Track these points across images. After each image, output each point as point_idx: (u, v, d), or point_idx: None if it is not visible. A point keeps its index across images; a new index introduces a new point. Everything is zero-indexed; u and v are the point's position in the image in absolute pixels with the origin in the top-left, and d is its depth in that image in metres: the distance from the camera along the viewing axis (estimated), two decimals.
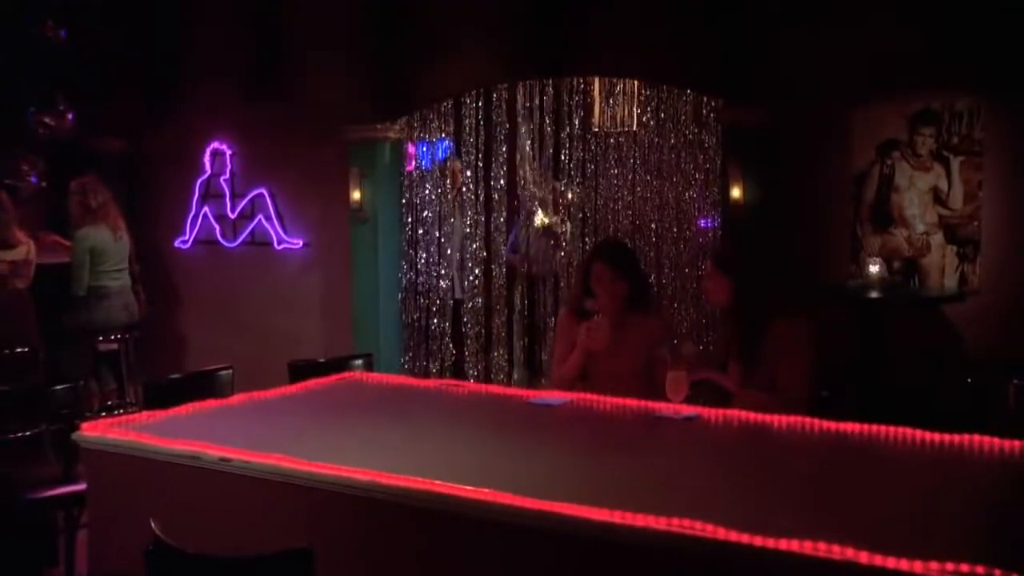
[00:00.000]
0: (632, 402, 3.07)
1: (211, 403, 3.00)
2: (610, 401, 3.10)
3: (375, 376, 3.60)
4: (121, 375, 5.41)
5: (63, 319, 5.38)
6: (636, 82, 5.84)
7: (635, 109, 5.92)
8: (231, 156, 6.45)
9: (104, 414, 5.02)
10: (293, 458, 2.31)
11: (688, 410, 2.94)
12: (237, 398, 3.11)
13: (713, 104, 5.19)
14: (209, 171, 6.51)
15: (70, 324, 5.38)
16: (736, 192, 4.90)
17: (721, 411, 2.96)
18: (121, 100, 6.59)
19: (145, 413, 2.80)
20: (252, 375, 5.24)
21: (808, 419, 2.79)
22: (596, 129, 6.21)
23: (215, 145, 6.47)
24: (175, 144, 6.56)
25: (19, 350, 4.81)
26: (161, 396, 3.16)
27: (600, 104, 6.27)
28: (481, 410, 3.13)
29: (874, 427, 2.70)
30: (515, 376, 5.99)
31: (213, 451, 2.41)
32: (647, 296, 3.56)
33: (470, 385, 3.50)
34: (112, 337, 5.37)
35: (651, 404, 3.02)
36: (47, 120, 6.05)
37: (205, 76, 6.40)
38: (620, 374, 3.38)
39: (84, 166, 5.78)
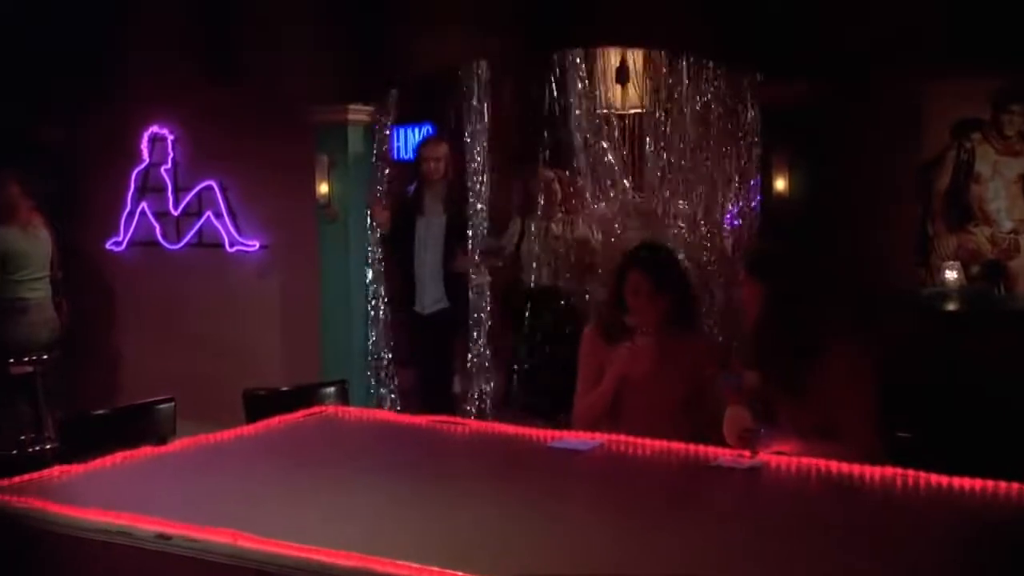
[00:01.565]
0: (679, 446, 2.83)
1: (147, 451, 2.76)
2: (651, 444, 2.87)
3: (352, 411, 3.39)
4: (38, 406, 5.23)
5: None
6: (650, 54, 5.80)
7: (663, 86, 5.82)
8: (174, 142, 6.38)
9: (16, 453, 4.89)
10: (250, 534, 2.06)
11: (750, 457, 2.70)
12: (180, 444, 2.88)
13: (749, 79, 5.10)
14: (147, 160, 6.45)
15: None
16: (780, 183, 4.77)
17: (794, 459, 2.70)
18: (48, 81, 6.49)
19: (57, 468, 2.53)
20: (200, 407, 5.06)
21: (908, 472, 2.54)
22: (605, 111, 6.14)
23: (154, 129, 6.41)
24: (106, 129, 6.50)
25: None
26: (83, 437, 2.99)
27: (610, 81, 6.23)
28: (487, 457, 2.90)
29: (1000, 484, 2.42)
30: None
31: (147, 524, 2.14)
32: (692, 312, 3.39)
33: (472, 423, 3.24)
34: (25, 359, 5.22)
35: (704, 449, 2.79)
36: None
37: (143, 48, 6.35)
38: (660, 408, 3.18)
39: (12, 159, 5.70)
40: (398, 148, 6.45)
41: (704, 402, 3.16)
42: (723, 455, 2.73)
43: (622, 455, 2.83)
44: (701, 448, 2.80)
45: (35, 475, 2.49)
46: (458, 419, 3.31)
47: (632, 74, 6.13)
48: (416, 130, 6.60)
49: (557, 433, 3.05)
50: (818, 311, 2.93)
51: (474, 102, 5.71)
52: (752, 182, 5.13)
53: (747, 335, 3.16)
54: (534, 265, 5.64)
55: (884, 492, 2.47)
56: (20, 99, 6.37)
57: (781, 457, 2.71)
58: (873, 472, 2.56)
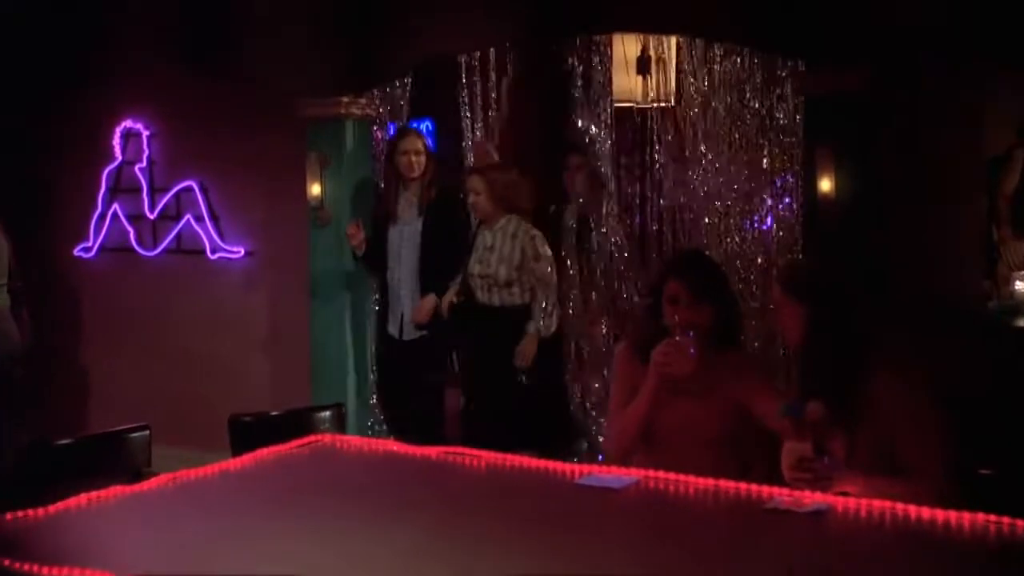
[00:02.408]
0: (728, 484, 2.70)
1: (117, 491, 2.64)
2: (694, 481, 2.75)
3: (351, 440, 3.31)
4: None
5: None
6: (680, 41, 5.71)
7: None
8: (149, 138, 6.37)
9: None
10: None
11: (813, 498, 2.55)
12: (156, 481, 2.77)
13: (788, 67, 5.05)
14: (120, 158, 6.43)
15: None
16: (825, 183, 4.67)
17: (862, 501, 2.56)
18: (7, 68, 6.47)
19: (8, 514, 2.41)
20: (178, 432, 4.96)
21: (1001, 519, 2.38)
22: (627, 104, 6.07)
23: (128, 124, 6.39)
24: (75, 123, 6.48)
25: None
26: (44, 471, 2.96)
27: (630, 72, 6.07)
28: (507, 496, 2.78)
29: None
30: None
31: None
32: (737, 327, 3.31)
33: (487, 455, 3.11)
34: None
35: (757, 488, 2.65)
36: None
37: (116, 33, 6.35)
38: (701, 437, 3.09)
39: None
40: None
41: (751, 431, 3.07)
42: (779, 495, 2.59)
43: (662, 493, 2.71)
44: (754, 487, 2.66)
45: None
46: (470, 450, 3.17)
47: (654, 64, 6.03)
48: (416, 126, 6.54)
49: (584, 468, 2.96)
50: (870, 333, 2.86)
51: (492, 94, 5.65)
52: (790, 182, 5.09)
53: (789, 358, 3.06)
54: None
55: (972, 541, 2.34)
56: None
57: (847, 499, 2.57)
58: (959, 518, 2.41)
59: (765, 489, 2.63)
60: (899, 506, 2.50)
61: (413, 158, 5.20)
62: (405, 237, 5.24)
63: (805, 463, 2.60)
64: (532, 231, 5.01)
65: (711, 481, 2.72)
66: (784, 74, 5.08)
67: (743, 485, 2.68)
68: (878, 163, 4.68)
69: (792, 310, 2.92)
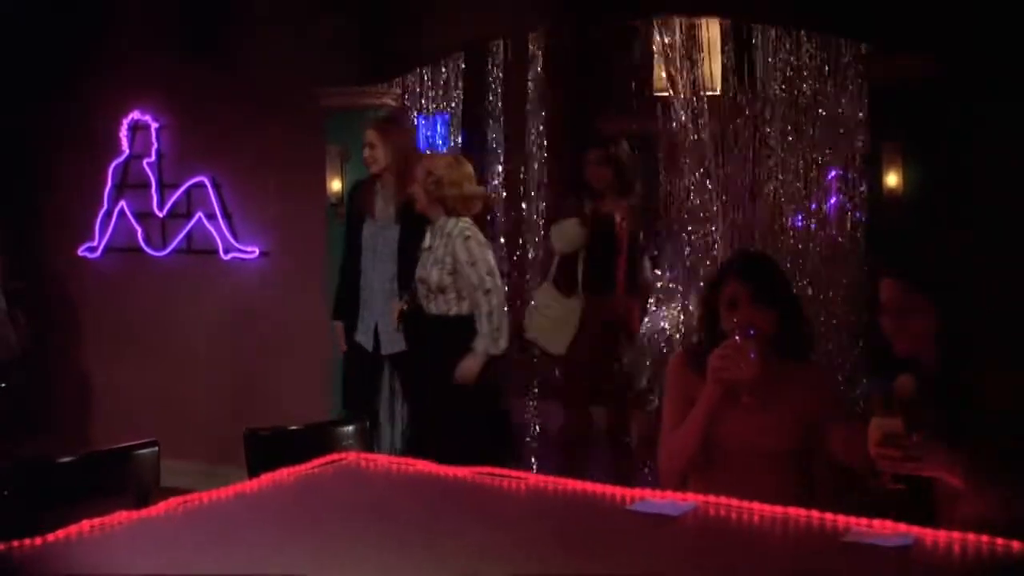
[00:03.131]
0: (798, 512, 2.58)
1: (122, 517, 2.54)
2: (759, 509, 2.63)
3: (378, 459, 3.22)
4: None
5: None
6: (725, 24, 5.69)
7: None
8: (159, 131, 6.40)
9: None
10: None
11: (895, 528, 2.42)
12: (165, 506, 2.66)
13: (853, 51, 5.02)
14: (128, 152, 6.47)
15: None
16: (892, 178, 4.66)
17: (955, 534, 2.40)
18: (7, 56, 6.51)
19: (1, 545, 2.30)
20: (189, 445, 4.87)
21: None
22: (665, 94, 6.06)
23: (136, 116, 6.43)
24: (79, 115, 6.50)
25: None
26: (42, 489, 2.88)
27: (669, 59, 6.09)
28: (553, 523, 2.67)
29: None
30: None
31: None
32: (804, 335, 3.22)
33: (530, 477, 3.02)
34: None
35: (832, 517, 2.53)
36: None
37: (124, 19, 6.40)
38: (763, 455, 3.03)
39: None
40: (426, 138, 6.37)
41: (820, 452, 2.99)
42: (857, 526, 2.46)
43: (724, 522, 2.60)
44: (828, 516, 2.54)
45: None
46: (511, 471, 3.08)
47: (707, 50, 5.97)
48: (438, 119, 6.54)
49: (636, 492, 2.84)
50: (980, 334, 2.76)
51: (530, 82, 5.60)
52: (851, 177, 5.07)
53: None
54: None
55: None
56: None
57: (936, 532, 2.44)
58: None
59: (841, 519, 2.51)
60: (998, 541, 2.36)
61: (367, 151, 4.98)
62: (381, 240, 5.03)
63: (893, 439, 2.52)
64: (468, 230, 4.68)
65: (780, 509, 2.60)
66: (848, 59, 5.03)
67: (816, 514, 2.56)
68: (953, 157, 4.61)
69: (926, 310, 2.76)
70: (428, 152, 5.39)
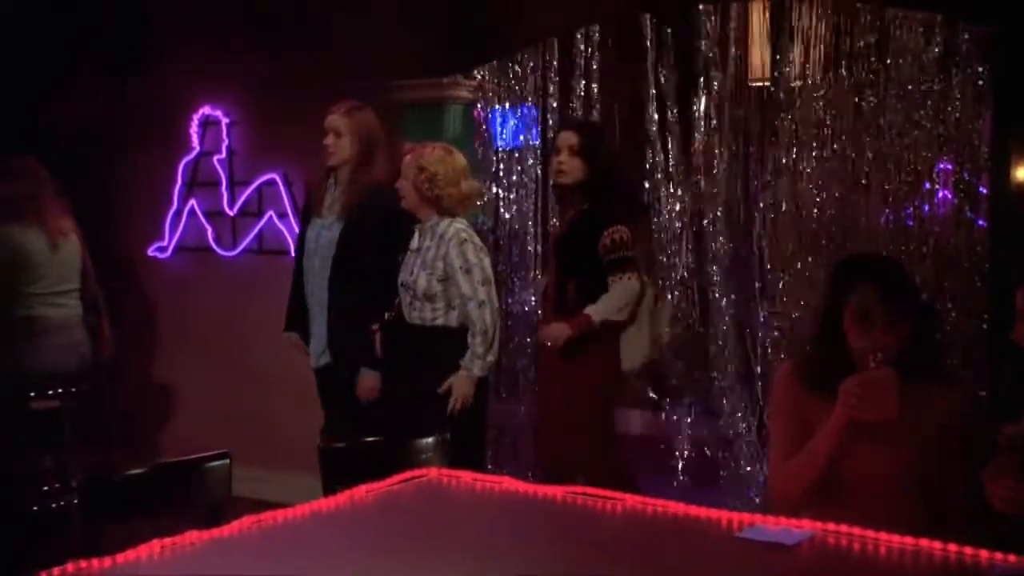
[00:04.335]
0: (931, 545, 2.42)
1: (193, 536, 2.49)
2: (887, 539, 2.48)
3: (461, 476, 3.11)
4: (63, 450, 5.19)
5: None
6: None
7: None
8: (229, 127, 6.43)
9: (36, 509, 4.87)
10: None
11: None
12: (238, 526, 2.59)
13: (973, 33, 4.87)
14: (198, 149, 6.52)
15: None
16: (1021, 172, 4.53)
17: None
18: (77, 49, 6.58)
19: (71, 564, 2.23)
20: (261, 456, 4.76)
21: None
22: (760, 84, 6.02)
23: (206, 111, 6.48)
24: (148, 110, 6.54)
25: None
26: (110, 505, 2.83)
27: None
28: (649, 549, 2.57)
29: None
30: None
31: None
32: (938, 349, 3.19)
33: (628, 498, 2.89)
34: (50, 392, 5.18)
35: (972, 550, 2.38)
36: None
37: (194, 11, 6.41)
38: (887, 487, 2.87)
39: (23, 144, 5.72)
40: (501, 134, 6.29)
41: (954, 478, 2.83)
42: (1002, 560, 2.30)
43: (845, 552, 2.46)
44: (967, 550, 2.38)
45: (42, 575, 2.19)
46: (605, 491, 2.96)
47: (797, 35, 5.80)
48: (514, 112, 6.47)
49: (746, 517, 2.71)
50: None
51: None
52: (967, 170, 4.94)
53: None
54: None
55: None
56: (42, 71, 6.43)
57: None
58: None
59: (984, 553, 2.34)
60: None
61: (331, 140, 4.65)
62: (323, 240, 4.66)
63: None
64: (464, 232, 4.34)
65: (910, 539, 2.44)
66: (967, 43, 4.88)
67: (950, 546, 2.40)
68: None
69: None
70: (410, 144, 4.81)
